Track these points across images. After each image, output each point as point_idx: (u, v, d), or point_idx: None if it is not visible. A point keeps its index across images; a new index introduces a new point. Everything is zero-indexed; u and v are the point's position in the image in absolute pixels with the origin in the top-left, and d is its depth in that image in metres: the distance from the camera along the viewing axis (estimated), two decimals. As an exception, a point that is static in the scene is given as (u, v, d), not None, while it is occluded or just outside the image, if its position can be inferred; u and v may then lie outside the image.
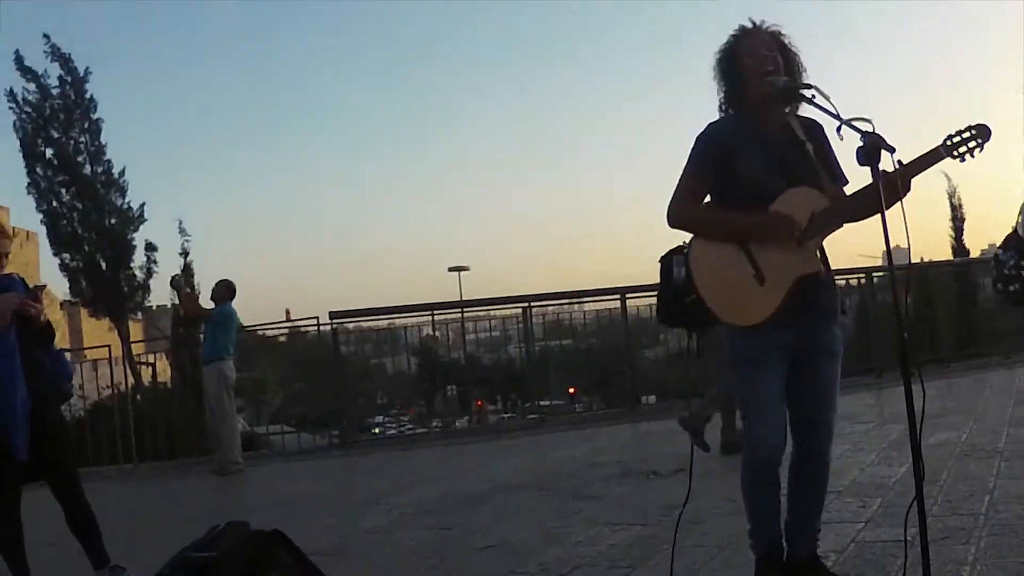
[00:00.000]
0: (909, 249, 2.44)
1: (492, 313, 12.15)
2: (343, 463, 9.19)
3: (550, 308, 12.26)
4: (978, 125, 2.56)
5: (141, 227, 23.45)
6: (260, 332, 11.83)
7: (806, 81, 2.75)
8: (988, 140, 2.56)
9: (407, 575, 3.92)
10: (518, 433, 9.60)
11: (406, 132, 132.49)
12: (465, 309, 11.81)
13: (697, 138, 2.82)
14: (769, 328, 2.67)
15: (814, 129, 2.83)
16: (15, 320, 3.61)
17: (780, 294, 2.66)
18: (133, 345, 17.69)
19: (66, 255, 22.92)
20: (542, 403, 12.30)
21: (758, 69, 2.70)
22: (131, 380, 12.85)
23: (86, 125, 22.92)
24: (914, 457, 2.28)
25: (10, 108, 22.61)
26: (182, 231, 21.87)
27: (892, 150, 2.42)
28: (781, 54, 2.75)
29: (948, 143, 2.57)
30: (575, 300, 12.55)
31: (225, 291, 9.15)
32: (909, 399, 2.31)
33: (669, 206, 2.79)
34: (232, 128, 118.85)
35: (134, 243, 23.27)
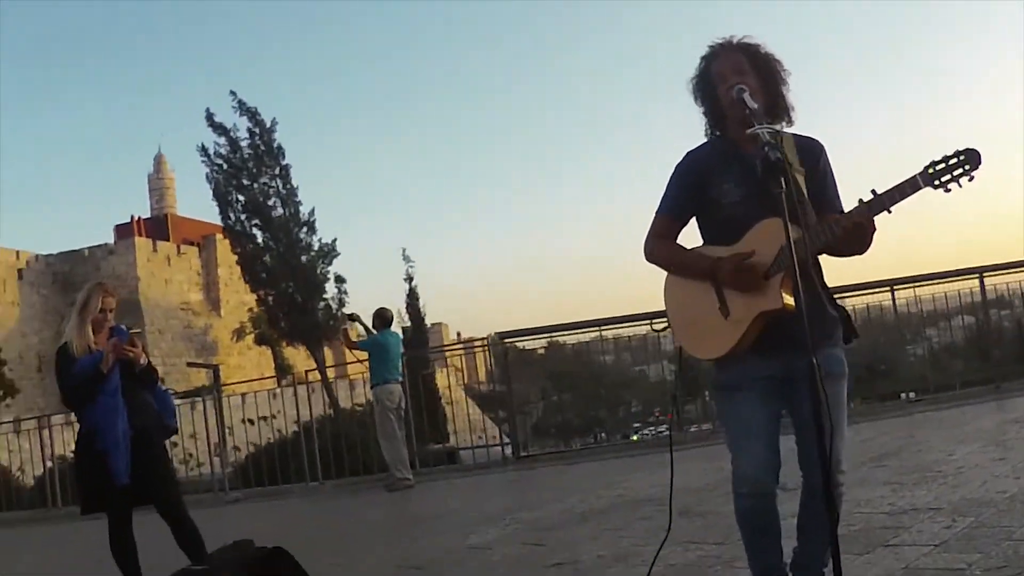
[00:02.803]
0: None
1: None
2: (512, 477, 9.46)
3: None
4: (967, 150, 2.27)
5: (335, 261, 25.02)
6: (520, 346, 12.46)
7: (785, 95, 2.60)
8: (978, 168, 2.27)
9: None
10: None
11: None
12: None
13: (675, 168, 2.71)
14: (747, 357, 2.56)
15: (810, 150, 2.64)
16: (118, 362, 4.19)
17: (741, 329, 2.53)
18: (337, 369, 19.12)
19: (261, 291, 24.38)
20: None
21: (728, 95, 2.55)
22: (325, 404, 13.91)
23: (276, 171, 24.51)
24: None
25: (202, 162, 24.48)
26: (406, 258, 23.15)
27: (778, 162, 2.28)
28: (755, 70, 2.58)
29: (930, 171, 2.30)
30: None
31: (377, 320, 9.80)
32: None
33: (645, 239, 2.73)
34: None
35: (327, 276, 24.87)
